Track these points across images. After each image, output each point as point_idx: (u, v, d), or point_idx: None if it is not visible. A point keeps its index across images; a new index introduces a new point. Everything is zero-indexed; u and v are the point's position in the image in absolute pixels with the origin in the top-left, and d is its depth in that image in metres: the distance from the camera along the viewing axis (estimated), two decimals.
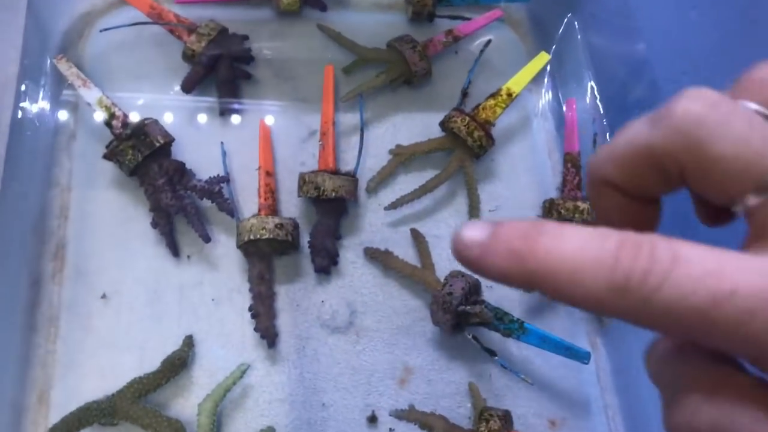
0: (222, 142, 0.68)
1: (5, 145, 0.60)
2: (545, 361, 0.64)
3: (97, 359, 0.60)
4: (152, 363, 0.59)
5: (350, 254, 0.67)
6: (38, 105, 0.67)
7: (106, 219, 0.65)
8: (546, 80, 0.78)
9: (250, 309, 0.62)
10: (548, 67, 0.78)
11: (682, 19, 0.62)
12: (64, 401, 0.57)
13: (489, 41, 0.75)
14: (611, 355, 0.65)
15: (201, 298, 0.63)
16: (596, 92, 0.73)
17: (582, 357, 0.59)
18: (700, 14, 0.60)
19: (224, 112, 0.71)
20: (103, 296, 0.62)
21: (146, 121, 0.65)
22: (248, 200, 0.67)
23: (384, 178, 0.69)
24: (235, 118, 0.71)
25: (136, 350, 0.61)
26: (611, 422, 0.63)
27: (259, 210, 0.64)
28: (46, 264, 0.63)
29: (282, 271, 0.65)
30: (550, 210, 0.67)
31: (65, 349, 0.60)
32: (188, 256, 0.65)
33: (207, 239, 0.63)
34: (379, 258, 0.66)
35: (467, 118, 0.68)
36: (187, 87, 0.70)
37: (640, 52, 0.67)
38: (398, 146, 0.70)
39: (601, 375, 0.65)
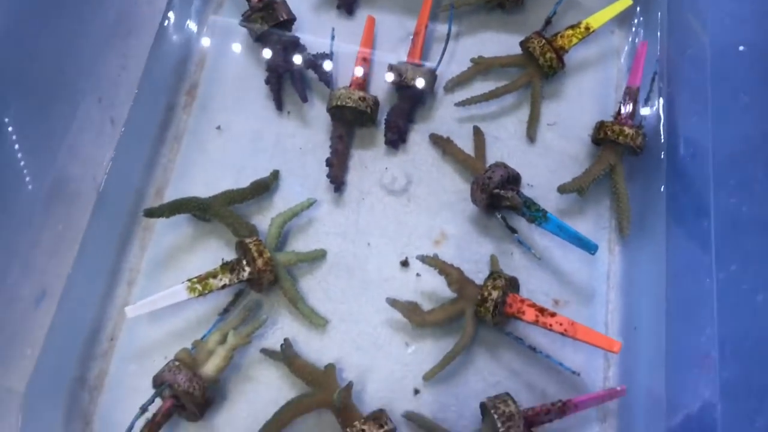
0: (333, 28, 0.82)
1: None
2: (564, 253, 0.73)
3: (204, 173, 0.77)
4: (245, 184, 0.75)
5: (418, 137, 0.79)
6: None
7: (233, 71, 0.82)
8: (632, 26, 0.85)
9: (327, 159, 0.76)
10: (638, 16, 0.85)
11: None
12: (175, 197, 0.74)
13: None
14: (624, 263, 0.74)
15: (292, 146, 0.78)
16: (666, 41, 0.80)
17: (590, 247, 0.69)
18: None
19: (341, 6, 0.85)
20: (218, 128, 0.79)
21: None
22: (346, 80, 0.80)
23: (461, 81, 0.81)
24: (350, 13, 0.85)
25: (234, 173, 0.77)
26: (609, 315, 0.72)
27: (351, 84, 0.78)
28: (180, 97, 0.81)
29: (359, 139, 0.79)
30: (599, 129, 0.76)
31: (182, 161, 0.78)
32: (288, 112, 0.80)
33: (304, 99, 0.78)
34: (440, 143, 0.78)
35: (543, 41, 0.78)
36: None
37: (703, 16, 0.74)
38: (480, 57, 0.81)
39: (611, 276, 0.73)
